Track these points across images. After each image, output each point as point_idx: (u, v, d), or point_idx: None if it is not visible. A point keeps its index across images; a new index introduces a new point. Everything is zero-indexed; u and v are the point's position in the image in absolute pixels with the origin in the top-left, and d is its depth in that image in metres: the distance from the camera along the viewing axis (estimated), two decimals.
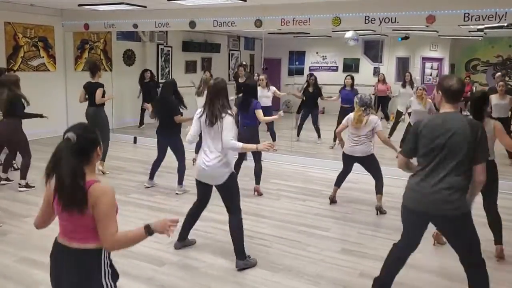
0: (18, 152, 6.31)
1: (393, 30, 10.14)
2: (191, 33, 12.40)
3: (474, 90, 10.00)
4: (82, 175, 2.06)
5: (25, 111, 6.15)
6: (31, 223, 2.45)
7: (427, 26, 7.25)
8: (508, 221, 5.08)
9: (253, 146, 4.10)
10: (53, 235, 2.26)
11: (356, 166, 5.76)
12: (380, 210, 5.55)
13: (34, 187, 6.14)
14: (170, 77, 12.29)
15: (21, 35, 9.43)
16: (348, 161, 5.68)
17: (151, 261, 4.09)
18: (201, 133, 4.04)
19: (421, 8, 6.82)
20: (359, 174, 6.10)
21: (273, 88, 9.05)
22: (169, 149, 6.26)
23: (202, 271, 3.94)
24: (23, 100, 6.07)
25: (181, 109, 6.15)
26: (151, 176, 6.43)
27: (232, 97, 6.27)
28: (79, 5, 8.80)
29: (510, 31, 9.50)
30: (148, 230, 2.13)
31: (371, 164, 5.58)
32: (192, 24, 8.72)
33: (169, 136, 6.12)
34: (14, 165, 6.91)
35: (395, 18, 7.02)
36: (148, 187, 6.37)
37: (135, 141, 9.91)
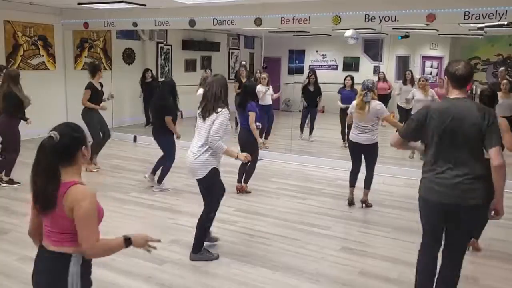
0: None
1: (393, 28, 10.14)
2: (191, 32, 12.39)
3: (474, 89, 10.00)
4: (56, 175, 1.98)
5: (27, 109, 6.16)
6: None
7: (427, 24, 7.25)
8: (508, 219, 5.09)
9: (233, 153, 4.05)
10: None
11: None
12: (366, 204, 5.60)
13: (19, 183, 6.10)
14: (170, 76, 12.29)
15: (21, 33, 9.42)
16: (353, 149, 5.63)
17: (151, 259, 4.08)
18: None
19: (421, 7, 6.81)
20: (360, 174, 6.08)
21: (270, 89, 9.03)
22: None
23: (202, 270, 3.94)
24: (21, 97, 6.04)
25: (179, 113, 6.15)
26: (154, 171, 6.30)
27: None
28: (79, 4, 8.78)
29: (510, 29, 9.50)
30: (127, 243, 2.09)
31: (371, 153, 5.54)
32: (192, 22, 8.71)
33: (161, 134, 6.10)
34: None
35: (395, 16, 7.01)
36: (149, 185, 6.30)
37: (135, 140, 9.90)
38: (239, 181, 6.20)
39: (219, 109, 3.86)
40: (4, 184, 6.15)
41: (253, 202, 5.81)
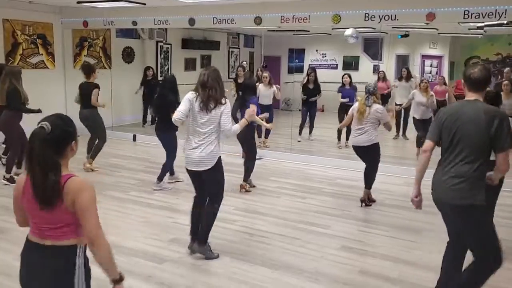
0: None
1: (392, 27, 10.13)
2: (191, 31, 12.38)
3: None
4: (56, 167, 1.96)
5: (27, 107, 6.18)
6: None
7: (427, 23, 7.25)
8: (508, 218, 5.10)
9: (244, 123, 4.20)
10: None
11: (358, 164, 5.76)
12: (365, 202, 5.62)
13: None
14: (170, 73, 12.28)
15: (20, 32, 9.40)
16: (356, 153, 5.65)
17: (151, 258, 4.09)
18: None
19: (421, 6, 6.81)
20: (359, 172, 6.09)
21: (274, 88, 9.01)
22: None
23: (202, 269, 3.94)
24: (23, 94, 6.06)
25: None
26: (171, 172, 6.37)
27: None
28: (78, 2, 8.77)
29: (510, 28, 9.50)
30: (118, 279, 2.10)
31: (370, 153, 5.55)
32: (192, 21, 8.70)
33: (164, 131, 6.10)
34: (2, 160, 6.89)
35: (395, 15, 7.01)
36: (172, 182, 6.36)
37: (134, 139, 9.89)
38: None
39: (223, 100, 3.89)
40: (4, 181, 6.15)
41: (253, 201, 5.81)
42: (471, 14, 6.47)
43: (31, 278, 2.09)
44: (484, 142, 2.82)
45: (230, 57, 14.90)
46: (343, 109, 8.69)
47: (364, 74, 12.58)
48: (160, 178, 6.15)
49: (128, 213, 5.30)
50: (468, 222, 2.96)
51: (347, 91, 9.03)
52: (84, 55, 10.60)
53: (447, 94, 10.05)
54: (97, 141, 7.14)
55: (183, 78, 10.02)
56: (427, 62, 13.79)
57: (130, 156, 8.38)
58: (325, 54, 14.93)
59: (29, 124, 6.32)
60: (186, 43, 12.79)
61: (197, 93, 3.92)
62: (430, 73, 13.64)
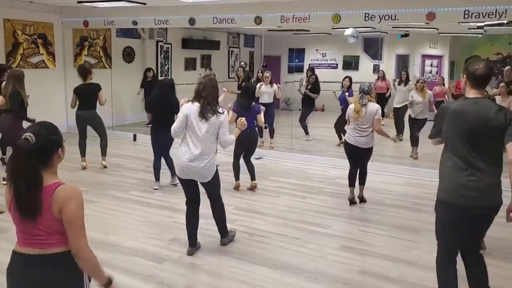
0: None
1: (393, 27, 10.13)
2: (191, 30, 12.37)
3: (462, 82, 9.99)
4: (38, 180, 1.94)
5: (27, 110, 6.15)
6: None
7: (427, 23, 7.25)
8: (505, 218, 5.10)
9: (237, 133, 4.26)
10: None
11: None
12: (362, 200, 5.70)
13: None
14: (170, 75, 12.29)
15: (20, 32, 9.41)
16: (350, 151, 5.63)
17: (151, 258, 4.09)
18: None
19: (421, 5, 6.81)
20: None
21: (275, 86, 9.03)
22: None
23: (202, 268, 3.95)
24: (24, 98, 6.04)
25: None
26: (157, 178, 6.30)
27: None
28: (78, 2, 8.78)
29: (510, 28, 9.50)
30: (107, 283, 2.08)
31: (366, 155, 5.62)
32: (192, 21, 8.70)
33: (165, 133, 6.07)
34: (5, 160, 6.89)
35: (395, 15, 7.01)
36: (157, 189, 6.26)
37: (134, 139, 9.89)
38: (237, 177, 6.25)
39: (220, 109, 3.92)
40: (4, 182, 6.14)
41: (253, 201, 5.81)
42: (471, 14, 6.47)
43: None
44: (502, 140, 2.76)
45: (230, 56, 14.90)
46: (343, 112, 8.72)
47: (364, 74, 12.57)
48: (174, 174, 6.12)
49: (128, 213, 5.30)
50: (489, 223, 2.92)
51: (343, 95, 8.98)
52: (85, 55, 10.61)
53: (446, 95, 10.08)
54: (102, 139, 7.27)
55: (183, 78, 10.04)
56: (427, 62, 13.79)
57: (131, 156, 8.38)
58: (325, 53, 14.93)
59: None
60: (186, 43, 12.80)
61: (193, 103, 3.96)
62: (430, 72, 13.63)
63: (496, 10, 6.28)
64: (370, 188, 5.81)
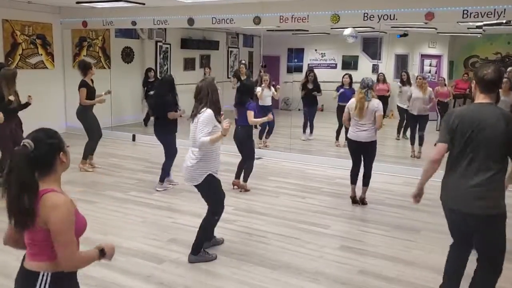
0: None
1: (391, 27, 10.14)
2: (190, 30, 12.37)
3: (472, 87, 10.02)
4: (32, 189, 1.85)
5: (24, 110, 6.06)
6: None
7: (426, 23, 7.25)
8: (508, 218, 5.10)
9: (218, 135, 3.81)
10: None
11: None
12: (363, 202, 5.64)
13: None
14: (169, 74, 12.27)
15: (19, 32, 9.40)
16: (352, 147, 5.62)
17: (150, 258, 4.09)
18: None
19: (420, 5, 6.82)
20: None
21: (273, 89, 9.04)
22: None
23: (202, 268, 3.94)
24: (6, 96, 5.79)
25: (178, 108, 6.10)
26: (168, 174, 6.28)
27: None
28: (77, 3, 8.77)
29: (509, 28, 9.50)
30: (101, 254, 2.03)
31: (370, 150, 5.55)
32: (191, 21, 8.70)
33: (164, 133, 6.10)
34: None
35: (394, 15, 7.02)
36: (173, 185, 6.30)
37: (133, 139, 9.89)
38: (237, 177, 6.22)
39: (203, 109, 3.87)
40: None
41: (252, 201, 5.81)
42: (470, 14, 6.47)
43: None
44: (506, 149, 2.77)
45: (229, 57, 14.89)
46: (341, 110, 8.69)
47: (363, 74, 12.46)
48: (161, 179, 6.15)
49: (127, 213, 5.30)
50: (495, 230, 2.89)
51: (346, 91, 9.01)
52: (84, 55, 10.59)
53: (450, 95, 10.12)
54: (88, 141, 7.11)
55: (182, 78, 10.03)
56: (426, 62, 13.79)
57: (130, 156, 8.37)
58: (324, 53, 14.93)
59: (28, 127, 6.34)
60: (185, 43, 12.80)
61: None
62: (430, 72, 13.64)
63: (495, 9, 6.29)
64: (370, 188, 5.80)
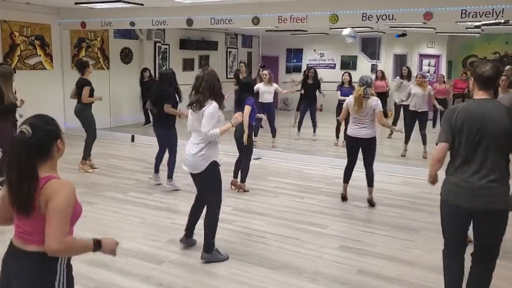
0: None
1: (390, 27, 10.15)
2: (188, 31, 12.37)
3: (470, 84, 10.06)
4: (32, 174, 1.87)
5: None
6: None
7: (424, 23, 7.26)
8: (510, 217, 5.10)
9: (228, 126, 3.98)
10: None
11: (356, 164, 5.74)
12: (371, 203, 5.62)
13: None
14: (169, 68, 12.27)
15: (18, 33, 9.39)
16: (351, 144, 5.62)
17: (150, 259, 4.09)
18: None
19: (418, 5, 6.83)
20: (357, 172, 6.10)
21: (275, 85, 9.03)
22: None
23: (201, 269, 3.94)
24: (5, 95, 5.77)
25: (179, 101, 6.09)
26: (156, 170, 6.34)
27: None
28: (76, 3, 8.76)
29: (507, 27, 9.52)
30: (96, 247, 1.99)
31: (370, 148, 5.53)
32: (189, 21, 8.70)
33: (164, 127, 6.09)
34: None
35: (393, 15, 7.03)
36: (155, 183, 6.31)
37: (132, 140, 9.88)
38: (235, 176, 6.21)
39: (207, 102, 3.85)
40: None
41: (251, 201, 5.81)
42: (468, 13, 6.49)
43: (9, 284, 1.98)
44: (510, 143, 2.78)
45: (228, 57, 14.91)
46: (341, 108, 8.69)
47: (362, 74, 12.54)
48: (169, 176, 6.14)
49: (126, 214, 5.30)
50: (501, 226, 2.90)
51: (346, 90, 9.02)
52: (82, 56, 10.57)
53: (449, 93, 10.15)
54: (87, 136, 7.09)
55: (181, 78, 10.01)
56: (425, 61, 13.81)
57: (129, 157, 8.37)
58: (323, 53, 14.93)
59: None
60: (184, 44, 12.80)
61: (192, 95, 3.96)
62: (428, 72, 13.66)
63: (493, 9, 6.30)
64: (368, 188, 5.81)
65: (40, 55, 9.86)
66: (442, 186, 3.01)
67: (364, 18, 7.20)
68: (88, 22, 9.76)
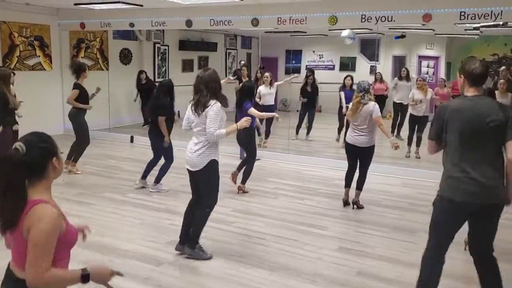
0: None
1: (389, 28, 10.17)
2: (188, 32, 12.38)
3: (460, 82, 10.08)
4: (19, 194, 1.75)
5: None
6: None
7: (423, 24, 7.27)
8: (505, 219, 5.10)
9: (234, 128, 4.11)
10: None
11: None
12: (357, 205, 5.59)
13: None
14: (167, 76, 12.28)
15: (17, 34, 9.39)
16: (350, 151, 5.60)
17: (149, 261, 4.08)
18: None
19: (417, 7, 6.84)
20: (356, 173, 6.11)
21: (275, 85, 9.02)
22: None
23: (200, 271, 3.94)
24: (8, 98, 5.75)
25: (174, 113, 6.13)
26: (144, 176, 6.30)
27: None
28: (75, 4, 8.76)
29: (506, 29, 9.53)
30: (84, 279, 1.80)
31: (367, 155, 5.51)
32: (189, 22, 8.70)
33: (157, 135, 6.07)
34: None
35: (392, 16, 7.04)
36: (138, 188, 6.27)
37: (131, 140, 9.87)
38: (239, 169, 6.20)
39: (210, 102, 3.85)
40: None
41: (250, 202, 5.80)
42: (467, 15, 6.50)
43: None
44: (504, 137, 2.80)
45: (227, 58, 14.92)
46: (342, 111, 8.75)
47: (361, 75, 12.52)
48: (157, 180, 6.14)
49: (125, 215, 5.29)
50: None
51: (349, 93, 9.03)
52: (81, 57, 10.58)
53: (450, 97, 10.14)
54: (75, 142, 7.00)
55: (180, 79, 10.03)
56: (424, 63, 13.83)
57: (128, 158, 8.36)
58: (322, 55, 14.96)
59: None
60: (184, 45, 12.81)
61: (194, 97, 3.98)
62: (427, 73, 13.68)
63: (491, 11, 6.31)
64: (368, 189, 5.81)
65: (39, 56, 9.86)
66: (441, 182, 3.01)
67: (363, 20, 7.21)
68: (88, 23, 9.76)
